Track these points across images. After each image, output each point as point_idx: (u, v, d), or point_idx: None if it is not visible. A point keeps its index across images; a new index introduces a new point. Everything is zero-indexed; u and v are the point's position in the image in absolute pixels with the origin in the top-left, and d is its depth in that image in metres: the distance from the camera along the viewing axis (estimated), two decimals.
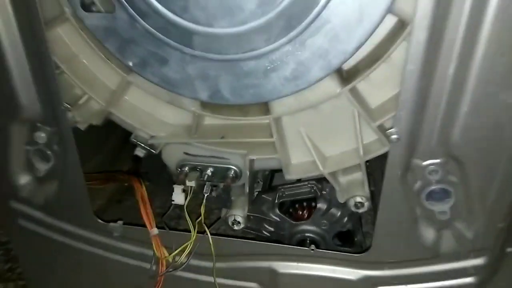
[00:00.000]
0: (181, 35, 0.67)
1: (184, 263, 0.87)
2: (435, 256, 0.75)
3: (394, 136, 0.64)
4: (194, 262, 0.86)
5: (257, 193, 1.01)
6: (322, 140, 0.84)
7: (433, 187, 0.69)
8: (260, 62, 0.68)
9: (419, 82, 0.60)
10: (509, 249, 0.75)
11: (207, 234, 0.85)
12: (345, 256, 0.79)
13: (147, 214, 0.89)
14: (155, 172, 1.12)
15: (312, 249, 0.80)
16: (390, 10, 0.64)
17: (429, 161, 0.67)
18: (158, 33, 0.68)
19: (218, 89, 0.72)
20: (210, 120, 0.86)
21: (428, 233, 0.73)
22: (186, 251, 0.88)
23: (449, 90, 0.60)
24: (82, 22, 0.72)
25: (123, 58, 0.72)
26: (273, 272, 0.85)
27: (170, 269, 0.88)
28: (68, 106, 0.78)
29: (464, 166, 0.66)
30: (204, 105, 0.82)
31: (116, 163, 1.23)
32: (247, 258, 0.86)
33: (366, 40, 0.65)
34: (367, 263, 0.78)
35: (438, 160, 0.67)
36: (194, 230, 0.87)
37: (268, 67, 0.68)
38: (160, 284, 0.88)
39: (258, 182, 1.04)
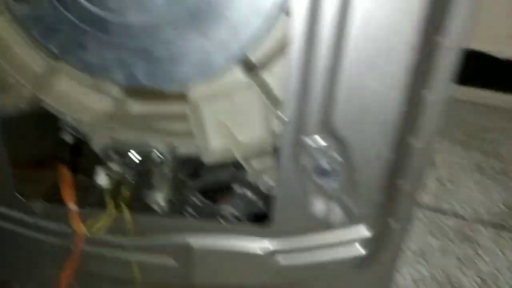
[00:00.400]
0: (98, 23, 0.75)
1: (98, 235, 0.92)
2: (326, 227, 0.85)
3: (283, 117, 0.74)
4: (112, 238, 0.92)
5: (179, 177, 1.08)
6: (237, 127, 0.93)
7: (319, 163, 0.79)
8: (169, 49, 0.76)
9: (301, 70, 0.70)
10: (393, 223, 0.86)
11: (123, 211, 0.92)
12: (249, 229, 0.87)
13: (67, 190, 0.94)
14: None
15: (221, 222, 0.88)
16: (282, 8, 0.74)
17: (314, 141, 0.77)
18: (77, 21, 0.76)
19: (133, 74, 0.80)
20: (133, 106, 0.94)
21: (319, 206, 0.83)
22: (103, 227, 0.93)
23: (324, 78, 0.71)
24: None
25: (47, 43, 0.79)
26: (189, 248, 0.92)
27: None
28: None
29: (345, 144, 0.76)
30: (126, 91, 0.89)
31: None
32: (163, 233, 0.92)
33: (264, 32, 0.74)
34: (268, 234, 0.87)
35: (322, 140, 0.77)
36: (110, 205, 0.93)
37: (177, 55, 0.77)
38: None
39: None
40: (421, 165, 0.77)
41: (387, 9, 0.65)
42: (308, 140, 0.77)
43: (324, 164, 0.79)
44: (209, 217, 1.04)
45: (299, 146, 0.78)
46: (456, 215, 1.74)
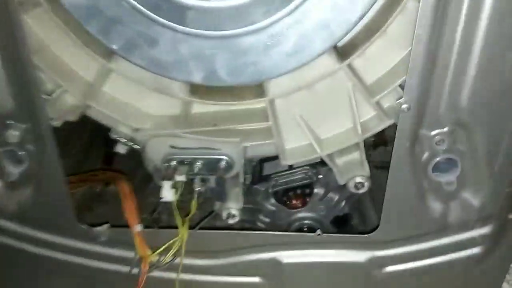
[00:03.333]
0: (173, 11, 0.62)
1: (169, 262, 0.81)
2: (443, 229, 0.74)
3: (404, 106, 0.63)
4: (185, 260, 0.80)
5: (247, 185, 0.97)
6: (317, 122, 0.82)
7: (440, 158, 0.68)
8: (259, 37, 0.64)
9: (428, 47, 0.59)
10: (511, 216, 0.76)
11: (196, 228, 0.80)
12: (352, 238, 0.76)
13: (130, 210, 0.82)
14: (128, 172, 1.05)
15: (319, 234, 0.77)
16: None
17: (436, 131, 0.67)
18: (147, 11, 0.63)
19: (214, 69, 0.67)
20: (198, 109, 0.81)
21: (436, 206, 0.72)
22: (174, 249, 0.81)
23: (456, 53, 0.60)
24: (58, 2, 0.64)
25: (107, 41, 0.66)
26: (277, 263, 0.81)
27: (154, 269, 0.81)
28: (48, 96, 0.70)
29: (471, 132, 0.66)
30: (193, 91, 0.77)
31: (84, 166, 1.15)
32: (247, 251, 0.81)
33: (369, 9, 0.63)
34: (375, 243, 0.76)
35: (445, 129, 0.66)
36: (183, 226, 0.81)
37: (269, 42, 0.64)
38: (141, 286, 0.81)
39: (245, 175, 1.00)
40: None
41: None
42: (427, 131, 0.66)
43: (444, 157, 0.68)
44: (286, 225, 0.93)
45: (416, 137, 0.67)
46: None
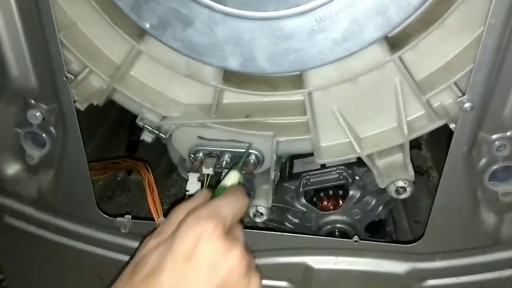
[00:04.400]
0: None
1: None
2: (494, 243, 0.67)
3: (467, 105, 0.56)
4: None
5: (276, 182, 0.91)
6: (357, 119, 0.75)
7: (499, 165, 0.61)
8: (305, 20, 0.58)
9: (500, 39, 0.52)
10: None
11: None
12: (392, 247, 0.70)
13: (154, 202, 0.78)
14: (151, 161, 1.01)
15: (356, 241, 0.71)
16: None
17: (498, 135, 0.59)
18: None
19: (252, 55, 0.61)
20: (230, 98, 0.76)
21: (489, 218, 0.65)
22: None
23: None
24: None
25: (139, 19, 0.61)
26: (308, 269, 0.75)
27: None
28: (71, 76, 0.65)
29: None
30: (227, 79, 0.71)
31: (105, 154, 1.11)
32: (276, 253, 0.75)
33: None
34: (417, 254, 0.69)
35: (508, 133, 0.59)
36: None
37: (315, 27, 0.58)
38: None
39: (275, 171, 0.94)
40: None
41: None
42: (487, 134, 0.59)
43: (503, 164, 0.61)
44: (316, 227, 0.87)
45: (475, 141, 0.60)
46: None
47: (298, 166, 0.93)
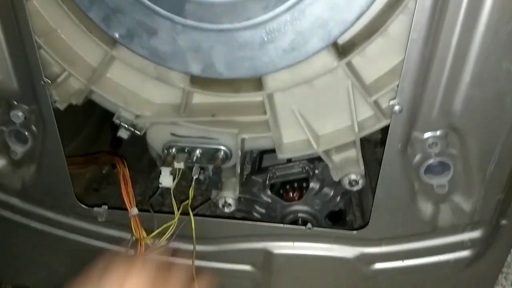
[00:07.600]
0: (172, 3, 0.63)
1: (164, 246, 0.83)
2: (433, 230, 0.74)
3: (396, 108, 0.63)
4: (180, 245, 0.82)
5: (246, 175, 0.98)
6: (315, 118, 0.82)
7: (432, 160, 0.68)
8: (256, 32, 0.65)
9: (423, 51, 0.59)
10: (503, 222, 0.75)
11: (191, 215, 0.82)
12: (342, 233, 0.77)
13: (127, 193, 0.84)
14: (134, 158, 1.08)
15: (309, 228, 0.78)
16: None
17: (429, 134, 0.66)
18: (147, 1, 0.64)
19: (211, 62, 0.68)
20: (198, 99, 0.83)
21: (426, 208, 0.73)
22: (168, 233, 0.84)
23: (452, 59, 0.59)
24: None
25: (109, 29, 0.68)
26: (268, 253, 0.82)
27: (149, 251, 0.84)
28: (49, 81, 0.72)
29: (465, 137, 0.65)
30: (194, 81, 0.78)
31: (91, 149, 1.18)
32: (240, 239, 0.83)
33: (367, 9, 0.63)
34: (364, 240, 0.77)
35: (438, 133, 0.66)
36: (178, 211, 0.83)
37: (265, 38, 0.65)
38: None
39: (246, 164, 1.01)
40: None
41: None
42: (419, 133, 0.66)
43: (436, 159, 0.68)
44: (281, 217, 0.95)
45: (408, 139, 0.67)
46: None
47: (266, 161, 1.01)
